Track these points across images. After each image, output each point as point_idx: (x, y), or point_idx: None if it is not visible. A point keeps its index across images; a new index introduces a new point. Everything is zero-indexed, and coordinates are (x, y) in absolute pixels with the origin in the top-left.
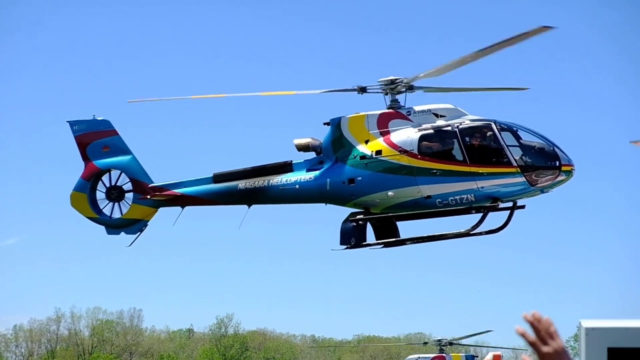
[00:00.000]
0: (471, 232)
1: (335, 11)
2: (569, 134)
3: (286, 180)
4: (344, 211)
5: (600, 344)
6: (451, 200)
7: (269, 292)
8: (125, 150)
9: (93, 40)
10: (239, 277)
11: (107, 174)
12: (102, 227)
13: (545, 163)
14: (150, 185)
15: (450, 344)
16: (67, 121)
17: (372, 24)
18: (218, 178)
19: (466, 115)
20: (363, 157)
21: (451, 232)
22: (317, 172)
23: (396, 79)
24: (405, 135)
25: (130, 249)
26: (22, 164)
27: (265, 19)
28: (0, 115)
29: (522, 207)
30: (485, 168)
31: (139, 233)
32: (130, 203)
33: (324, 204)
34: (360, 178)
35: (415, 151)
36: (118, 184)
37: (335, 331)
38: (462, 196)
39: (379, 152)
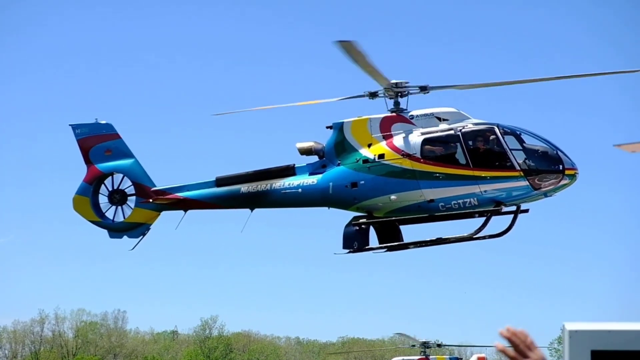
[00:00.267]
0: (474, 236)
1: (338, 16)
2: (570, 137)
3: (289, 184)
4: (347, 215)
5: (583, 346)
6: (454, 204)
7: (254, 294)
8: (128, 154)
9: (96, 43)
10: (224, 279)
11: (110, 178)
12: (104, 231)
13: (549, 167)
14: (152, 189)
15: (439, 345)
16: (70, 124)
17: (373, 27)
18: (221, 182)
19: (469, 118)
20: (366, 160)
21: (454, 236)
22: (319, 176)
23: (401, 83)
24: (408, 139)
25: (113, 250)
26: (24, 167)
27: (266, 22)
28: (3, 118)
29: (526, 211)
30: (488, 172)
31: (141, 237)
32: (132, 207)
33: (317, 208)
34: (363, 182)
35: (418, 155)
36: (120, 187)
37: (320, 333)
38: (465, 200)
39: (381, 156)
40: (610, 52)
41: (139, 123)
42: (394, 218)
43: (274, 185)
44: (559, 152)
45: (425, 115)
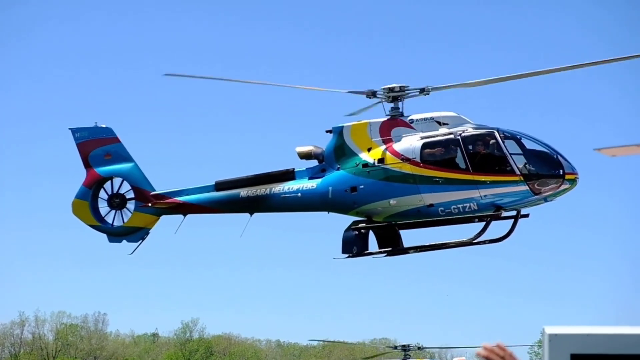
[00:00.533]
0: (474, 241)
1: (338, 20)
2: (570, 140)
3: (288, 189)
4: (346, 219)
5: (563, 350)
6: (454, 208)
7: (234, 297)
8: (127, 158)
9: (96, 46)
10: (204, 282)
11: (109, 182)
12: (104, 235)
13: (549, 171)
14: (152, 193)
15: (419, 348)
16: (69, 128)
17: (373, 32)
18: (220, 186)
19: (469, 123)
20: (365, 165)
21: (454, 240)
22: (319, 180)
23: (401, 87)
24: (408, 143)
25: (93, 253)
26: (24, 171)
27: (266, 26)
28: (3, 121)
29: (526, 215)
30: (488, 176)
31: (140, 241)
32: (132, 211)
33: (316, 212)
34: (362, 186)
35: (418, 159)
36: (120, 191)
37: (301, 336)
38: (465, 205)
39: (381, 160)
40: (609, 52)
41: (139, 127)
42: (393, 223)
43: (273, 189)
44: (559, 157)
45: (425, 119)
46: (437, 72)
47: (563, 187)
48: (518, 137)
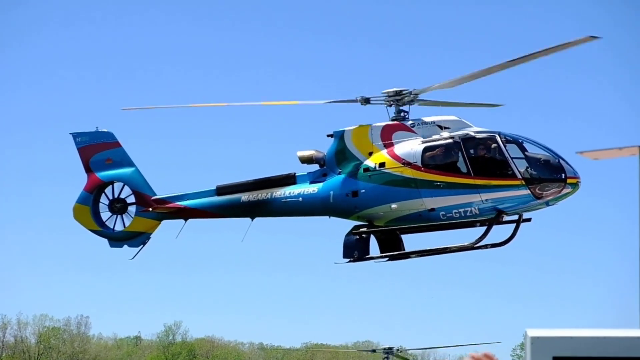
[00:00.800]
0: (476, 245)
1: (337, 24)
2: (571, 143)
3: (289, 193)
4: (347, 224)
5: (545, 352)
6: (455, 213)
7: (217, 300)
8: (129, 163)
9: (96, 50)
10: (187, 285)
11: (110, 187)
12: (105, 240)
13: (551, 175)
14: (153, 198)
15: (401, 351)
16: (70, 133)
17: (372, 36)
18: (221, 190)
19: (471, 127)
20: (367, 169)
21: (455, 245)
22: (320, 185)
23: (402, 91)
24: (409, 147)
25: (75, 256)
26: (24, 175)
27: (265, 30)
28: (4, 126)
29: (529, 220)
30: (490, 180)
31: (141, 246)
32: (133, 216)
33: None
34: (363, 190)
35: (419, 163)
36: (121, 196)
37: (284, 339)
38: (466, 209)
39: (382, 165)
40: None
41: (140, 132)
42: (394, 227)
43: (274, 194)
44: (561, 161)
45: (427, 123)
46: (437, 74)
47: (565, 191)
48: (520, 141)
